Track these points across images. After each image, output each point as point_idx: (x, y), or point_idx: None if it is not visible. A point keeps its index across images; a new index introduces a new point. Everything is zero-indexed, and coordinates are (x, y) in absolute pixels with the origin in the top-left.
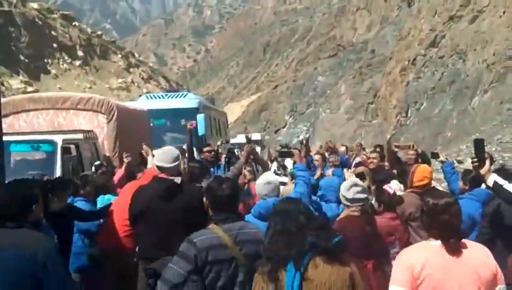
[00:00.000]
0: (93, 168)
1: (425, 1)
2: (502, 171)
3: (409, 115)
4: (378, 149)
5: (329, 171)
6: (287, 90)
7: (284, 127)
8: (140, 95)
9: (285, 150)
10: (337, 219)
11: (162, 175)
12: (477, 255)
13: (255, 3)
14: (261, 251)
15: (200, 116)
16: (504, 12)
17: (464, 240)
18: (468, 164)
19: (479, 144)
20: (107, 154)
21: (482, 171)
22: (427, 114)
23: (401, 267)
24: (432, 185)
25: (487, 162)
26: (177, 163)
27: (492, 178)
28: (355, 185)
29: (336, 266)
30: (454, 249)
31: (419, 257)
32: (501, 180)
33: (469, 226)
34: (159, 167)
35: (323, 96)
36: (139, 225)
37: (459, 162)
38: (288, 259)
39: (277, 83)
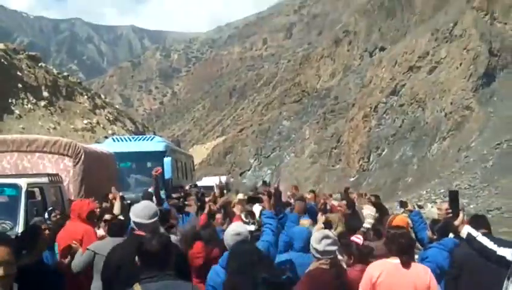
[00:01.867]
0: (46, 214)
1: (386, 52)
2: (475, 219)
3: (370, 160)
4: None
5: (303, 221)
6: (253, 134)
7: (249, 170)
8: (106, 137)
9: (253, 195)
10: (306, 271)
11: (139, 232)
12: (419, 272)
13: (222, 49)
14: None
15: (167, 160)
16: (461, 64)
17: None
18: (428, 209)
19: (454, 196)
20: (72, 198)
21: (456, 222)
22: (388, 160)
23: (365, 277)
24: None
25: (461, 214)
26: (155, 219)
27: (466, 229)
28: (327, 237)
29: None
30: (405, 264)
31: (378, 268)
32: (474, 232)
33: (437, 275)
34: (136, 223)
35: (288, 140)
36: (114, 287)
37: (420, 207)
38: None
39: (242, 127)
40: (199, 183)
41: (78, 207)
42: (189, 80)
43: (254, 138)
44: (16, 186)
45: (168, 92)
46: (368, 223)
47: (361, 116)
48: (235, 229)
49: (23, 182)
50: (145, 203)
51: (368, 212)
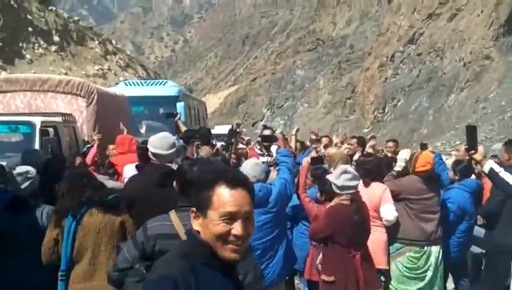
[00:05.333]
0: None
1: None
2: (509, 145)
3: (386, 111)
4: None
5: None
6: (266, 83)
7: (261, 120)
8: (116, 83)
9: (267, 134)
10: (327, 207)
11: (158, 162)
12: (374, 190)
13: None
14: None
15: (180, 105)
16: (482, 11)
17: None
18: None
19: (471, 131)
20: (86, 139)
21: (478, 157)
22: (403, 111)
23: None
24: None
25: (481, 148)
26: (173, 150)
27: (489, 165)
28: (346, 172)
29: (108, 215)
30: (365, 184)
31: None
32: (497, 168)
33: (459, 216)
34: (154, 154)
35: (302, 90)
36: (132, 214)
37: None
38: (69, 210)
39: (255, 76)
40: (212, 132)
41: (127, 140)
42: (201, 27)
43: (267, 87)
44: (30, 124)
45: (179, 39)
46: (399, 167)
47: (377, 65)
48: (255, 160)
49: (37, 120)
50: (163, 134)
51: (402, 156)
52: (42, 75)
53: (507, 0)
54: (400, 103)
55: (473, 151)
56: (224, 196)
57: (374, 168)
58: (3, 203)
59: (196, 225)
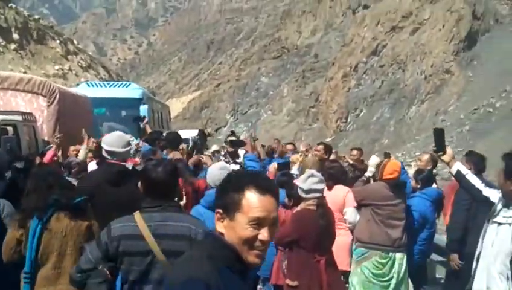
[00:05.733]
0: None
1: (369, 10)
2: (469, 156)
3: (348, 120)
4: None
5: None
6: (230, 89)
7: (225, 126)
8: (77, 84)
9: (235, 139)
10: (293, 211)
11: (112, 161)
12: (337, 193)
13: None
14: (184, 248)
15: (144, 108)
16: (443, 26)
17: None
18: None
19: (439, 133)
20: (46, 139)
21: (446, 158)
22: (366, 121)
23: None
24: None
25: (449, 149)
26: (128, 148)
27: (456, 166)
28: (312, 175)
29: (74, 219)
30: (329, 187)
31: None
32: (464, 170)
33: (420, 224)
34: (109, 152)
35: (266, 97)
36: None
37: None
38: (35, 211)
39: (220, 81)
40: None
41: None
42: (166, 31)
43: (231, 93)
44: None
45: (143, 42)
46: (369, 172)
47: (340, 75)
48: (220, 165)
49: None
50: (117, 133)
51: (374, 162)
52: (2, 73)
53: (467, 16)
54: (362, 113)
55: (441, 153)
56: (254, 201)
57: (337, 173)
58: None
59: (220, 226)
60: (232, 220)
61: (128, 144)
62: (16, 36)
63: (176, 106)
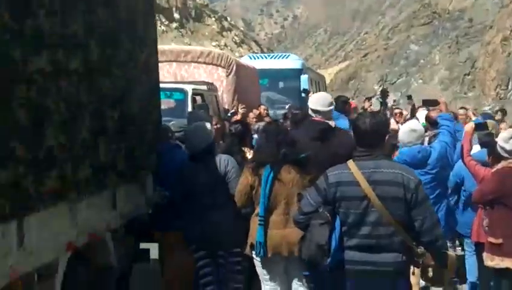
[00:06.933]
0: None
1: None
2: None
3: (509, 87)
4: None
5: None
6: (377, 59)
7: (373, 97)
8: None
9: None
10: (494, 170)
11: (317, 118)
12: None
13: None
14: (400, 194)
15: (304, 77)
16: None
17: None
18: None
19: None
20: (226, 107)
21: None
22: None
23: None
24: None
25: None
26: (331, 108)
27: None
28: None
29: (300, 172)
30: None
31: None
32: None
33: None
34: (314, 110)
35: (416, 65)
36: None
37: None
38: (267, 163)
39: (367, 52)
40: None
41: None
42: (310, 3)
43: (379, 63)
44: (182, 91)
45: (289, 15)
46: None
47: (499, 39)
48: (410, 126)
49: (189, 88)
50: (321, 93)
51: None
52: (184, 47)
53: None
54: None
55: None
56: None
57: None
58: (183, 157)
59: None
60: None
61: (331, 103)
62: (176, 16)
63: None
